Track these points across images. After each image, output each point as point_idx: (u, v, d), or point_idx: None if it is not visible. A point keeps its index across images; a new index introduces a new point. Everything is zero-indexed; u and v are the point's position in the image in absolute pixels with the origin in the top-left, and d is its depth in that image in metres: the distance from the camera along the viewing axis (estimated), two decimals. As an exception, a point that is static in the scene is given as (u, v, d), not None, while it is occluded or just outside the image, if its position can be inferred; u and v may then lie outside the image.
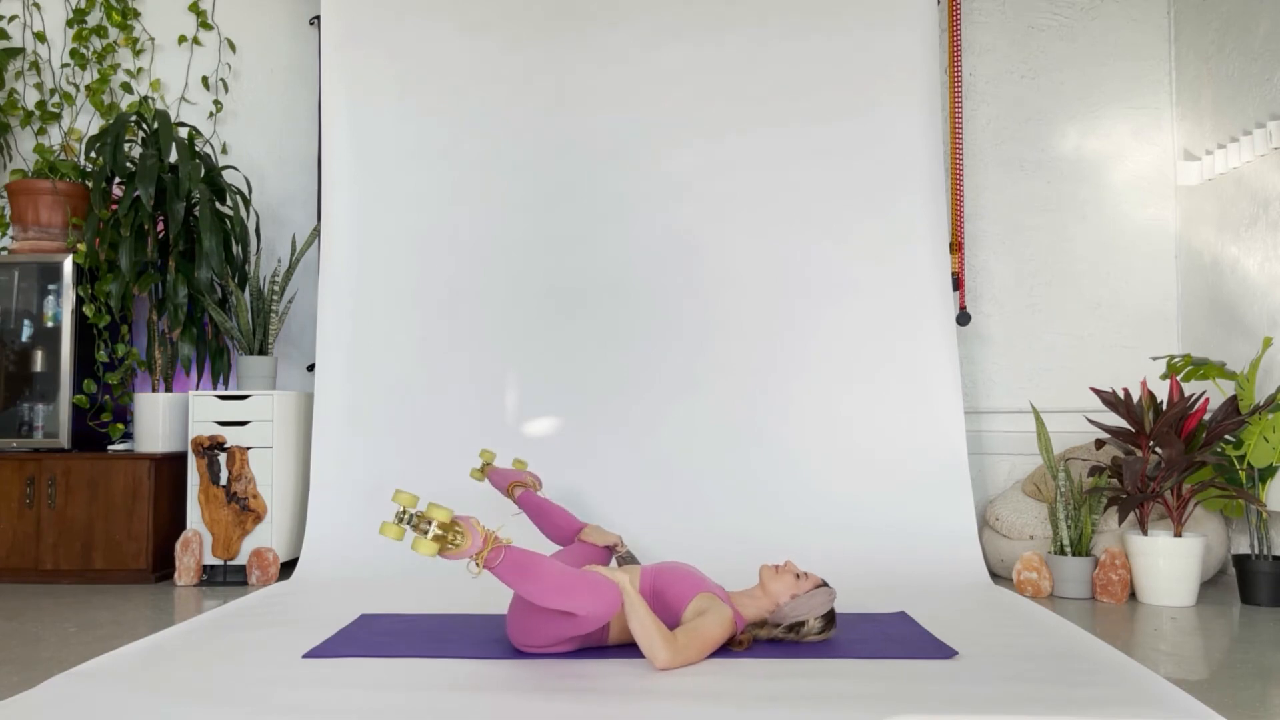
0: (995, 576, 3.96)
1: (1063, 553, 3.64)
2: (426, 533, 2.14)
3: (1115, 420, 4.22)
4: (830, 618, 2.67)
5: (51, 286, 4.19)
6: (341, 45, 4.31)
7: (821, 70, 4.23)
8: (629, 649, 2.58)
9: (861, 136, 4.20)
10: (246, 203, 4.45)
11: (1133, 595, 3.59)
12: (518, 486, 3.46)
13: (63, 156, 4.63)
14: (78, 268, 4.18)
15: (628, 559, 3.09)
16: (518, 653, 2.59)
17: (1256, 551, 3.50)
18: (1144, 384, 3.64)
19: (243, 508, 3.96)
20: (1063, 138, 4.48)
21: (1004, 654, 2.58)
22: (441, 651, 2.62)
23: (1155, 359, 4.00)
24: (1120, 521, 3.48)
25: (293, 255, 4.34)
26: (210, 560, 3.96)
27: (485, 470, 3.64)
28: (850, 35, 4.23)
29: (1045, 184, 4.48)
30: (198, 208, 4.19)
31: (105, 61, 4.66)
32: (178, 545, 3.92)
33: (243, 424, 4.00)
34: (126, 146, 4.31)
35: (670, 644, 2.39)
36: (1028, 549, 3.84)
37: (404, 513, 2.15)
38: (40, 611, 3.37)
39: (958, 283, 4.38)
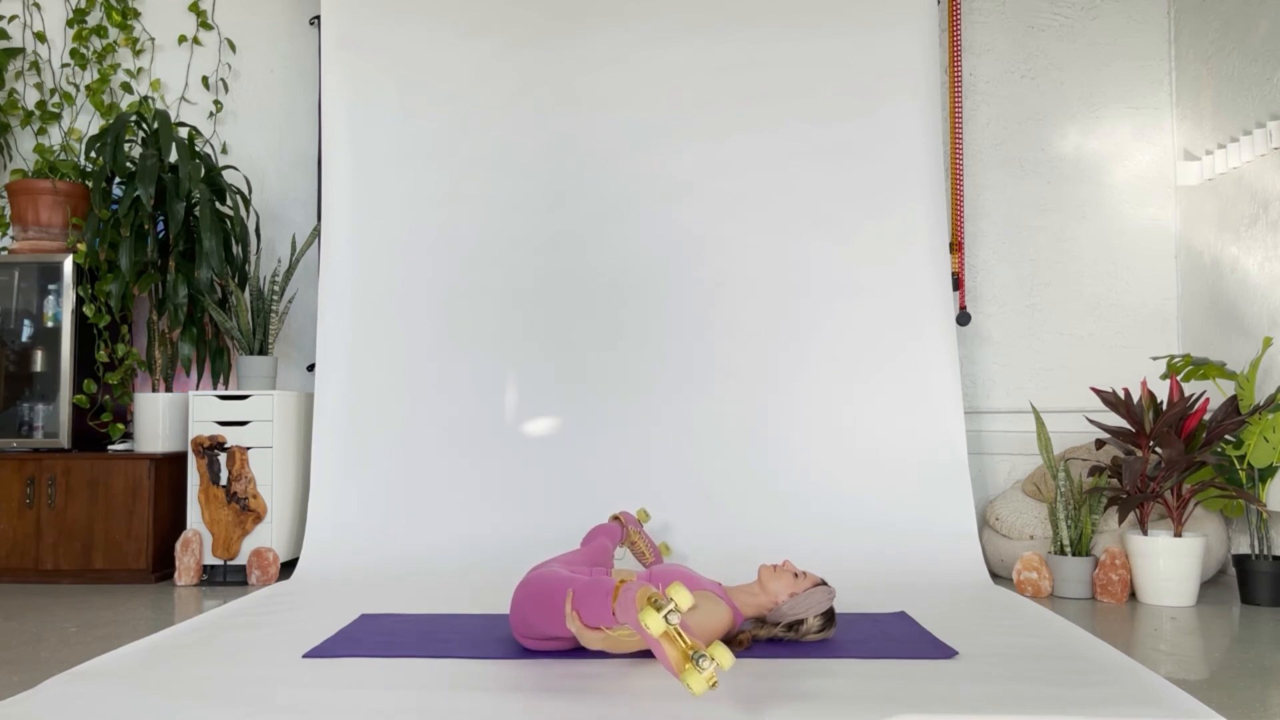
0: (995, 576, 3.96)
1: (1063, 553, 3.64)
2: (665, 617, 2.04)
3: (1115, 420, 4.23)
4: (829, 616, 2.67)
5: (51, 286, 4.19)
6: (341, 45, 4.31)
7: (821, 71, 4.23)
8: (629, 649, 2.58)
9: (862, 137, 4.19)
10: (246, 203, 4.45)
11: (1133, 595, 3.59)
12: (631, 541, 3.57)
13: (63, 156, 4.63)
14: (78, 268, 4.18)
15: (629, 520, 3.42)
16: (517, 652, 2.59)
17: (1256, 551, 3.50)
18: (1144, 384, 3.64)
19: (243, 508, 3.96)
20: (1063, 138, 4.48)
21: (1004, 654, 2.58)
22: (441, 651, 2.62)
23: (1155, 359, 4.00)
24: (1120, 521, 3.48)
25: (293, 255, 4.34)
26: (210, 560, 3.96)
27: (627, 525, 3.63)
28: (850, 36, 4.23)
29: (1045, 184, 4.48)
30: (198, 208, 4.19)
31: (105, 61, 4.66)
32: (178, 545, 3.92)
33: (243, 424, 4.00)
34: (126, 146, 4.31)
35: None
36: (1028, 549, 3.84)
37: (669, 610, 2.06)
38: (40, 611, 3.37)
39: (958, 283, 4.38)
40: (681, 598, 1.98)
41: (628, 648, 2.44)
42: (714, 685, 1.94)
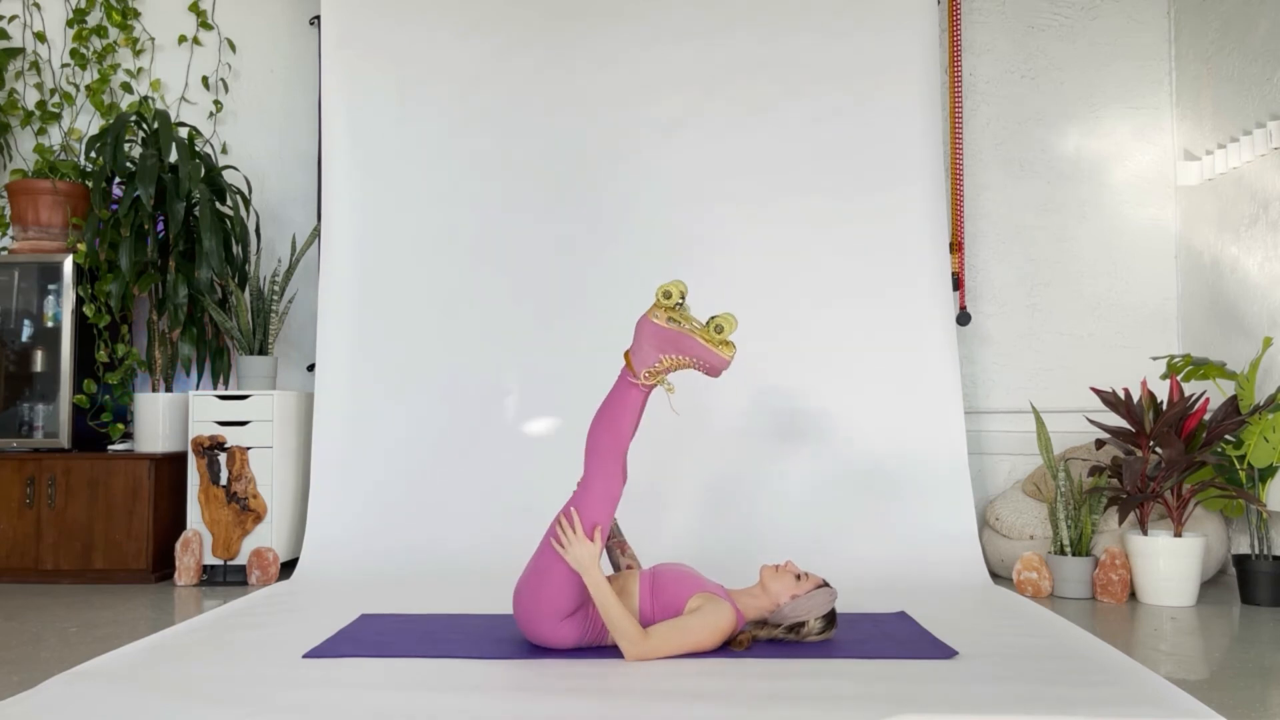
0: (995, 576, 3.96)
1: (1063, 553, 3.64)
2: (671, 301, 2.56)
3: (1115, 420, 4.22)
4: (831, 618, 2.67)
5: (51, 286, 4.19)
6: (341, 45, 4.31)
7: (821, 70, 4.22)
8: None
9: (862, 136, 4.19)
10: (246, 203, 4.45)
11: (1133, 595, 3.59)
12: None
13: (63, 156, 4.63)
14: (78, 268, 4.18)
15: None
16: (517, 652, 2.59)
17: (1256, 551, 3.50)
18: (1144, 384, 3.64)
19: (243, 508, 3.96)
20: (1063, 138, 4.48)
21: (1004, 654, 2.58)
22: (441, 651, 2.62)
23: (1155, 359, 4.00)
24: (1120, 521, 3.48)
25: (293, 255, 4.34)
26: (210, 560, 3.96)
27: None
28: (850, 35, 4.23)
29: (1045, 184, 4.48)
30: (198, 208, 4.19)
31: (105, 61, 4.66)
32: (178, 545, 3.92)
33: (243, 424, 4.00)
34: (126, 146, 4.31)
35: (633, 639, 2.47)
36: (1028, 549, 3.84)
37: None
38: (40, 611, 3.37)
39: (958, 283, 4.38)
40: (671, 288, 2.55)
41: (617, 618, 2.46)
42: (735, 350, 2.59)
